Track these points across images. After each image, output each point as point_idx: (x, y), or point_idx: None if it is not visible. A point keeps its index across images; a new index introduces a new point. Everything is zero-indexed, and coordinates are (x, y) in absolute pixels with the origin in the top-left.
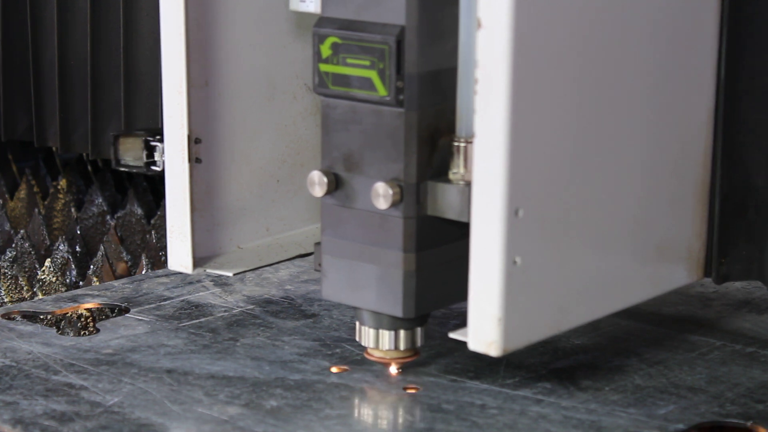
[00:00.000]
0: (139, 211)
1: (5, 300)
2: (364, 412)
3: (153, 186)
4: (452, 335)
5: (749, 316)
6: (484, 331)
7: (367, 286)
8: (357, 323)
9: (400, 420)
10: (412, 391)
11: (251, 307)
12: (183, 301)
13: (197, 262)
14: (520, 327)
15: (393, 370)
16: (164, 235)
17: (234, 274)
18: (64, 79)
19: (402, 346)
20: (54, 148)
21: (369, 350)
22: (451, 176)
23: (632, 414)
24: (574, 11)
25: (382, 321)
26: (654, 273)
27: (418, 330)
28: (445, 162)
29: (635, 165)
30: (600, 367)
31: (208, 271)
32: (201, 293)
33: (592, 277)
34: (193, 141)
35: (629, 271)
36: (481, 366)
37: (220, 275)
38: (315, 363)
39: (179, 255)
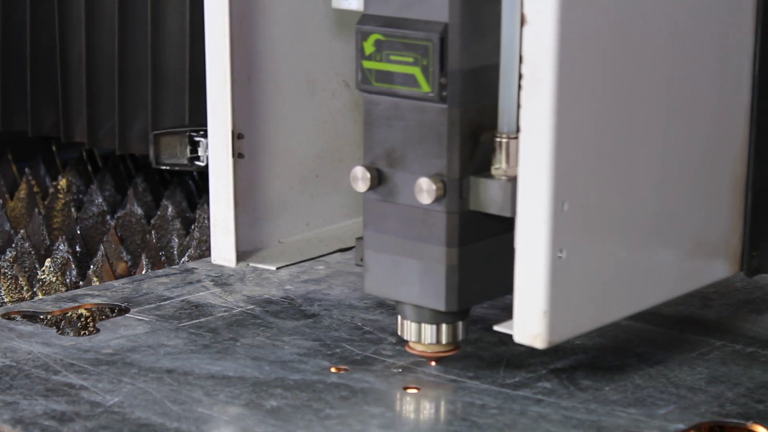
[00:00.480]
0: (139, 211)
1: (5, 300)
2: (364, 413)
3: (153, 186)
4: (497, 328)
5: (749, 316)
6: (529, 323)
7: (410, 281)
8: (399, 317)
9: (401, 420)
10: (412, 391)
11: (251, 307)
12: (183, 301)
13: (240, 256)
14: (564, 319)
15: (433, 363)
16: (164, 235)
17: (277, 268)
18: (92, 75)
19: (444, 340)
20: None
21: (411, 344)
22: (493, 171)
23: (632, 414)
24: (616, 6)
25: (424, 315)
26: (693, 266)
27: (460, 324)
28: (487, 158)
29: (675, 160)
30: (600, 367)
31: (252, 264)
32: (201, 293)
33: (634, 270)
34: (236, 136)
35: (669, 264)
36: (481, 366)
37: (264, 269)
38: (315, 363)
39: (223, 249)
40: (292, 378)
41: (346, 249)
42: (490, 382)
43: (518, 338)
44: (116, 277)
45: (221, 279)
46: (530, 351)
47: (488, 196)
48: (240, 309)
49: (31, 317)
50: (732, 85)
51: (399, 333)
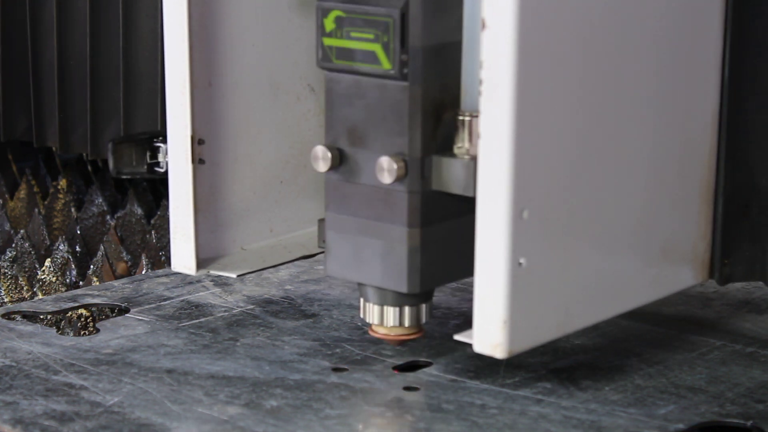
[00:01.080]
0: (139, 211)
1: (5, 300)
2: (364, 412)
3: (153, 186)
4: (457, 337)
5: (749, 316)
6: (489, 333)
7: (372, 262)
8: (361, 300)
9: (400, 420)
10: (413, 391)
11: (251, 307)
12: (183, 301)
13: (201, 264)
14: (525, 329)
15: (397, 346)
16: (164, 235)
17: (237, 276)
18: (64, 79)
19: (407, 323)
20: (53, 148)
21: (373, 327)
22: (455, 150)
23: (632, 414)
24: (578, 11)
25: (387, 297)
26: (659, 274)
27: (423, 306)
28: (449, 136)
29: (640, 166)
30: (600, 367)
31: (212, 272)
32: (201, 293)
33: (598, 279)
34: (197, 142)
35: (634, 272)
36: (481, 366)
37: (224, 277)
38: (315, 363)
39: (183, 256)
40: (292, 378)
41: (310, 256)
42: (490, 382)
43: (478, 348)
44: (116, 277)
45: (221, 279)
46: (530, 351)
47: (451, 176)
48: (240, 309)
49: (31, 317)
50: (699, 91)
51: (361, 316)
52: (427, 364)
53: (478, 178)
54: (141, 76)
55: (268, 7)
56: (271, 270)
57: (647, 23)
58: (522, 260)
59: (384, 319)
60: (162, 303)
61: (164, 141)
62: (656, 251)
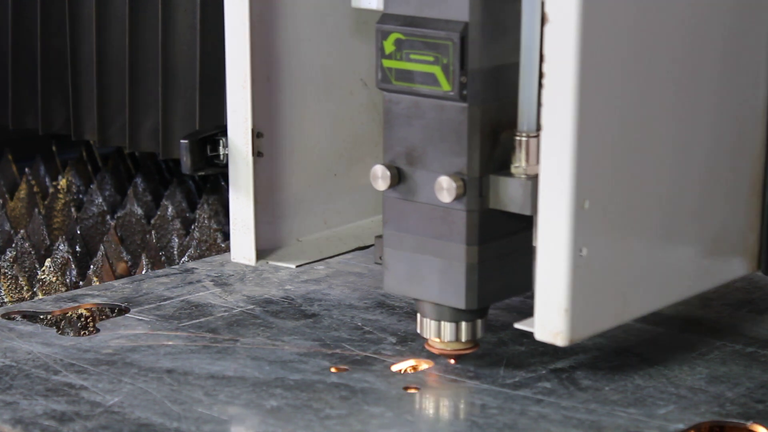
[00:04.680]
0: (139, 211)
1: (5, 300)
2: (364, 412)
3: (153, 186)
4: (518, 325)
5: (749, 316)
6: (551, 321)
7: (430, 279)
8: (418, 315)
9: (401, 420)
10: (413, 391)
11: (251, 307)
12: (183, 301)
13: (259, 255)
14: (585, 317)
15: (451, 361)
16: (164, 235)
17: (297, 266)
18: (102, 73)
19: (463, 338)
20: (92, 142)
21: (430, 341)
22: (513, 170)
23: (632, 414)
24: (636, 6)
25: (444, 313)
26: (711, 265)
27: (479, 322)
28: (506, 156)
29: (695, 158)
30: (600, 367)
31: (271, 263)
32: (201, 293)
33: (654, 269)
34: (256, 135)
35: (688, 262)
36: (481, 366)
37: (284, 267)
38: (315, 363)
39: (243, 247)
40: (292, 378)
41: (365, 247)
42: (490, 382)
43: (539, 336)
44: (116, 277)
45: (221, 279)
46: (530, 351)
47: (508, 195)
48: (240, 309)
49: (31, 317)
50: (750, 84)
51: (418, 331)
52: (427, 364)
53: (540, 168)
54: (178, 71)
55: (324, 3)
56: (270, 270)
57: (700, 16)
58: (583, 250)
59: (441, 334)
60: (162, 303)
61: (224, 134)
62: (709, 242)
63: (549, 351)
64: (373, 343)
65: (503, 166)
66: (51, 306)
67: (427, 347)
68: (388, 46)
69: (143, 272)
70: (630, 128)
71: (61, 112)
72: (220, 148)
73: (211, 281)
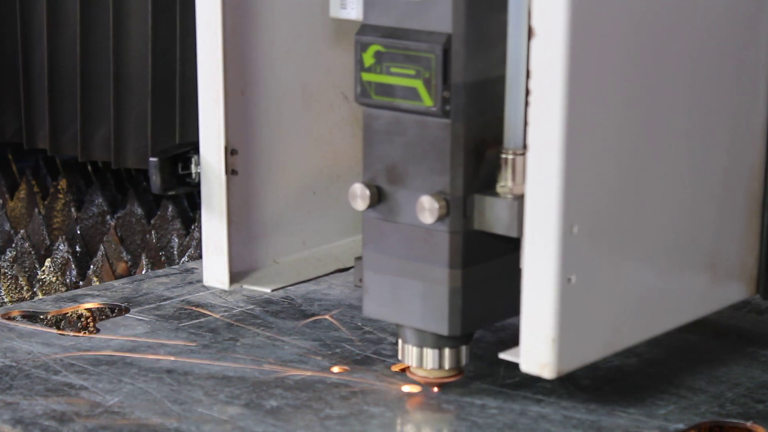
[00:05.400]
0: (139, 211)
1: (5, 300)
2: (364, 412)
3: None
4: (503, 356)
5: (749, 316)
6: (537, 352)
7: (411, 303)
8: (399, 341)
9: (401, 420)
10: (412, 390)
11: (251, 307)
12: (183, 301)
13: (234, 277)
14: (574, 347)
15: (435, 390)
16: (164, 235)
17: (272, 290)
18: (54, 81)
19: (447, 365)
20: (9, 156)
21: (412, 369)
22: (498, 189)
23: (632, 414)
24: (627, 20)
25: (426, 339)
26: (707, 290)
27: (463, 348)
28: (492, 175)
29: (688, 180)
30: (600, 367)
31: (246, 287)
32: (201, 293)
33: (647, 295)
34: (230, 152)
35: (683, 288)
36: (481, 366)
37: (259, 292)
38: (315, 363)
39: (216, 270)
40: (292, 378)
41: (345, 269)
42: (490, 382)
43: (525, 367)
44: (116, 277)
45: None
46: None
47: (494, 215)
48: (240, 309)
49: (31, 317)
50: (748, 102)
51: (399, 357)
52: None
53: (526, 191)
54: (131, 78)
55: (302, 14)
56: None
57: (696, 32)
58: (572, 276)
59: (423, 361)
60: (162, 303)
61: (196, 151)
62: (704, 266)
63: None
64: (373, 343)
65: (488, 186)
66: (51, 306)
67: (408, 375)
68: (368, 59)
69: (143, 272)
70: (621, 149)
71: (13, 120)
72: (192, 165)
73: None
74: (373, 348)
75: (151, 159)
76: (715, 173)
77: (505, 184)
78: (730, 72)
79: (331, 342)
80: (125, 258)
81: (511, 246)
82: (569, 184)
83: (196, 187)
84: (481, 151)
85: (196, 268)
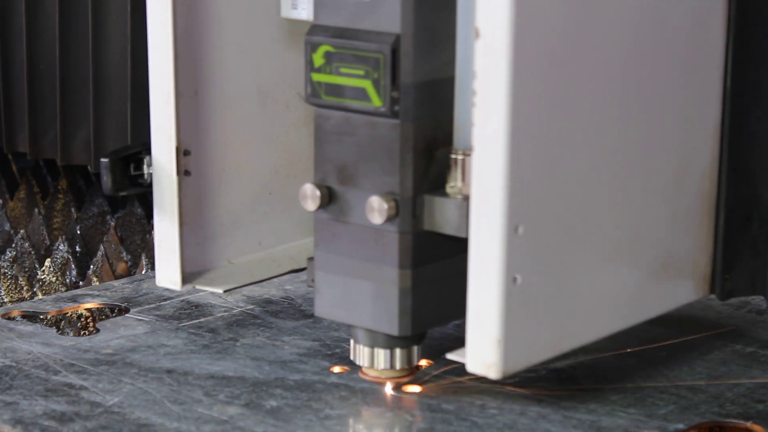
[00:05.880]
0: (139, 211)
1: (5, 300)
2: (364, 413)
3: None
4: (450, 356)
5: (749, 316)
6: (483, 352)
7: (362, 304)
8: (351, 341)
9: (400, 420)
10: (412, 390)
11: (251, 307)
12: (183, 301)
13: (186, 278)
14: (520, 348)
15: (388, 389)
16: None
17: (225, 291)
18: (33, 84)
19: (398, 365)
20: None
21: (364, 369)
22: (448, 190)
23: (632, 414)
24: (573, 20)
25: (378, 339)
26: (659, 290)
27: (415, 348)
28: (442, 175)
29: (638, 180)
30: (600, 367)
31: (198, 287)
32: (201, 293)
33: (596, 295)
34: (182, 153)
35: (633, 288)
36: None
37: (211, 292)
38: (315, 363)
39: (167, 271)
40: (292, 378)
41: (300, 270)
42: (490, 382)
43: (471, 367)
44: (116, 277)
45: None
46: None
47: (443, 216)
48: (240, 309)
49: (31, 317)
50: (700, 102)
51: (351, 357)
52: (427, 364)
53: (471, 192)
54: (111, 81)
55: (256, 14)
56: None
57: (645, 32)
58: (517, 277)
59: (375, 362)
60: (162, 303)
61: (148, 152)
62: (656, 266)
63: None
64: None
65: (438, 186)
66: (51, 306)
67: (360, 375)
68: (318, 59)
69: (143, 272)
70: (567, 150)
71: None
72: (144, 166)
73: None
74: None
75: (102, 160)
76: (667, 173)
77: (454, 184)
78: (680, 72)
79: (331, 342)
80: (125, 258)
81: (462, 246)
82: (514, 184)
83: (148, 187)
84: (431, 151)
85: None
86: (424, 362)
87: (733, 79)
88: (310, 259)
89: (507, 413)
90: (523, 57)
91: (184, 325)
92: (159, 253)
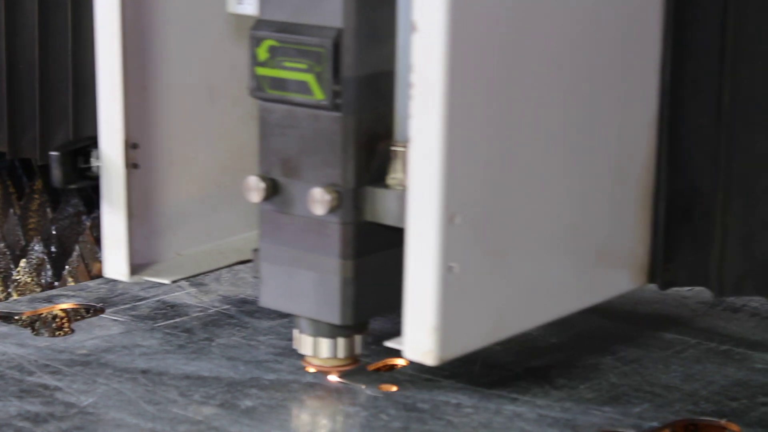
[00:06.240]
0: None
1: None
2: (340, 412)
3: None
4: (388, 343)
5: (723, 314)
6: (420, 340)
7: (305, 294)
8: (295, 331)
9: (376, 419)
10: (388, 390)
11: (227, 306)
12: (158, 301)
13: (134, 270)
14: (457, 335)
15: (332, 378)
16: None
17: (172, 282)
18: (12, 83)
19: (341, 354)
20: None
21: (307, 358)
22: (389, 181)
23: (607, 412)
24: (510, 13)
25: (321, 329)
26: (596, 279)
27: (357, 338)
28: (383, 167)
29: (575, 170)
30: (575, 366)
31: (145, 278)
32: (176, 293)
33: (532, 285)
34: (130, 146)
35: (570, 277)
36: (456, 365)
37: (157, 283)
38: (290, 363)
39: (115, 262)
40: (267, 378)
41: (246, 261)
42: (465, 381)
43: (409, 354)
44: (91, 278)
45: (197, 279)
46: (505, 349)
47: (384, 207)
48: (215, 309)
49: (6, 318)
50: (638, 95)
51: (294, 346)
52: (403, 363)
53: (407, 182)
54: (90, 79)
55: (204, 10)
56: (246, 270)
57: (582, 26)
58: (453, 266)
59: (318, 351)
60: (137, 303)
61: (96, 146)
62: (592, 256)
63: (524, 349)
64: None
65: (380, 178)
66: (26, 306)
67: (303, 364)
68: (262, 54)
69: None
70: (505, 140)
71: None
72: (93, 159)
73: (186, 281)
74: None
75: (52, 153)
76: (604, 165)
77: (395, 176)
78: (617, 65)
79: None
80: (100, 258)
81: (403, 237)
82: (450, 175)
83: (97, 180)
84: (372, 143)
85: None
86: (402, 362)
87: (672, 72)
88: (256, 250)
89: (482, 412)
90: (459, 50)
91: (159, 326)
92: (107, 245)
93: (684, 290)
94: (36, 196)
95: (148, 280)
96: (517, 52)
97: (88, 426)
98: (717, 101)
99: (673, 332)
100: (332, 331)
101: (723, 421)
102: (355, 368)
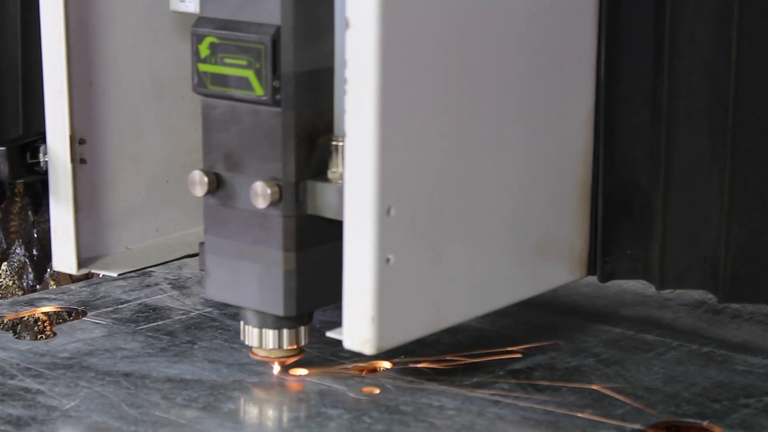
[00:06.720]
0: None
1: None
2: (322, 415)
3: None
4: (329, 334)
5: (705, 316)
6: (358, 330)
7: (249, 285)
8: (241, 323)
9: (358, 422)
10: (371, 392)
11: (209, 309)
12: (140, 304)
13: (82, 263)
14: (394, 325)
15: (276, 369)
16: None
17: (119, 275)
18: None
19: (285, 345)
20: None
21: (254, 350)
22: (329, 175)
23: (589, 415)
24: (444, 9)
25: (266, 320)
26: (534, 271)
27: (302, 329)
28: (324, 161)
29: (512, 163)
30: (557, 368)
31: (94, 270)
32: (159, 296)
33: (470, 276)
34: (77, 141)
35: (508, 269)
36: (438, 367)
37: (105, 275)
38: (273, 366)
39: (63, 255)
40: (250, 381)
41: (194, 255)
42: (447, 383)
43: (348, 344)
44: (73, 281)
45: (179, 282)
46: (487, 352)
47: (325, 200)
48: (198, 312)
49: None
50: (574, 89)
51: (241, 338)
52: (387, 365)
53: (344, 176)
54: (40, 78)
55: (150, 7)
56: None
57: (517, 21)
58: (390, 257)
59: (263, 342)
60: (119, 306)
61: (44, 141)
62: (530, 248)
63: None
64: (332, 345)
65: (321, 172)
66: (7, 310)
67: (250, 355)
68: (203, 50)
69: (100, 276)
70: (440, 135)
71: None
72: (40, 154)
73: (168, 284)
74: (331, 350)
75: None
76: (542, 159)
77: (335, 170)
78: (554, 62)
79: None
80: None
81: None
82: (385, 168)
83: (45, 175)
84: (313, 138)
85: (154, 272)
86: (387, 364)
87: (606, 68)
88: (202, 243)
89: (465, 414)
90: (391, 45)
91: (141, 329)
92: (55, 239)
93: (624, 282)
94: (17, 199)
95: (95, 273)
96: (451, 47)
97: (70, 429)
98: (654, 97)
99: (655, 334)
100: (277, 323)
101: (705, 423)
102: (298, 359)
